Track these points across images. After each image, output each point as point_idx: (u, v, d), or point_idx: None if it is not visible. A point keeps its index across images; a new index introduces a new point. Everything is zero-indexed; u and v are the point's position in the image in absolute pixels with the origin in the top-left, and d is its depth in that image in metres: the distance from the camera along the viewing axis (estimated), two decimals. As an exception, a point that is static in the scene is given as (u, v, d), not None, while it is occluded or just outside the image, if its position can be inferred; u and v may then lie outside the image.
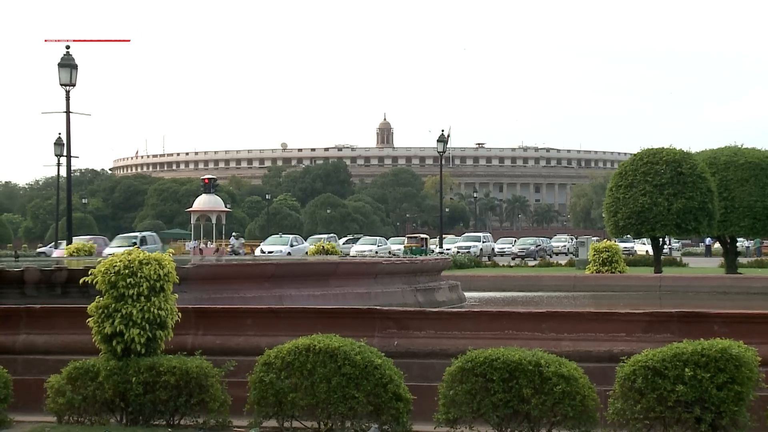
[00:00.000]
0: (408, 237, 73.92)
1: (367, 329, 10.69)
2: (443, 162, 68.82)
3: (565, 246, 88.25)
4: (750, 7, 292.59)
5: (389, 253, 62.61)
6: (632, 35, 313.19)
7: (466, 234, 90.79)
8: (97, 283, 9.54)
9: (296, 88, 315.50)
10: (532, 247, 74.47)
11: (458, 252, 64.20)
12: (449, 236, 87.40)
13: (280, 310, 11.79)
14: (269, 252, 59.65)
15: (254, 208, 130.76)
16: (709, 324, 10.12)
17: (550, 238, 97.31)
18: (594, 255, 30.07)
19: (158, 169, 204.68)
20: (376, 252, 64.84)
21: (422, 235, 72.89)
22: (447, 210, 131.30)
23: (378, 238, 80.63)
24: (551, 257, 66.52)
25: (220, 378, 9.37)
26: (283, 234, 76.53)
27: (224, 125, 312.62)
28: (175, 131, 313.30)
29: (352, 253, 59.04)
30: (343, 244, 77.25)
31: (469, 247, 70.86)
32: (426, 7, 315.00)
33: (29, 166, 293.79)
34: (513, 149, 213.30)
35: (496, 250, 77.29)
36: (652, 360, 8.31)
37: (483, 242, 77.07)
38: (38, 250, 79.06)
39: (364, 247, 69.44)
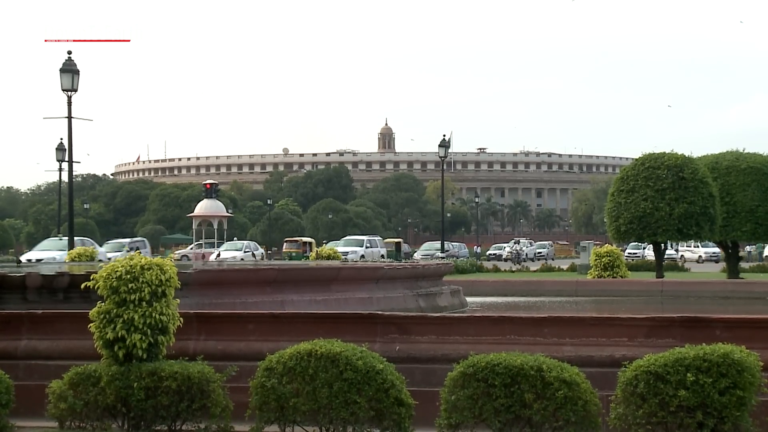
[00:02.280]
0: (287, 241, 67.46)
1: (369, 334, 10.69)
2: (445, 167, 68.69)
3: (522, 250, 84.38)
4: (753, 11, 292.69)
5: (262, 259, 54.81)
6: (634, 40, 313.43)
7: (347, 237, 76.59)
8: (98, 288, 9.54)
9: (298, 93, 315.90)
10: (438, 253, 65.48)
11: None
12: (333, 241, 76.33)
13: (281, 315, 11.79)
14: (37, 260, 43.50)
15: (256, 213, 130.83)
16: (711, 329, 10.11)
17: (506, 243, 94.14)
18: (595, 260, 30.05)
19: (160, 174, 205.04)
20: (242, 259, 55.15)
21: (305, 239, 67.43)
22: (449, 215, 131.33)
23: (245, 242, 70.08)
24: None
25: (221, 383, 9.36)
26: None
27: (226, 130, 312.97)
28: (177, 136, 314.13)
29: (211, 260, 50.55)
30: (191, 249, 67.81)
31: (347, 253, 57.65)
32: (427, 12, 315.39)
33: (31, 171, 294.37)
34: (514, 154, 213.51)
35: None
36: (654, 365, 8.30)
37: (366, 247, 64.62)
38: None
39: (227, 254, 59.93)
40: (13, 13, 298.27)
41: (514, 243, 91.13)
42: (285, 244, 67.03)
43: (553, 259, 76.32)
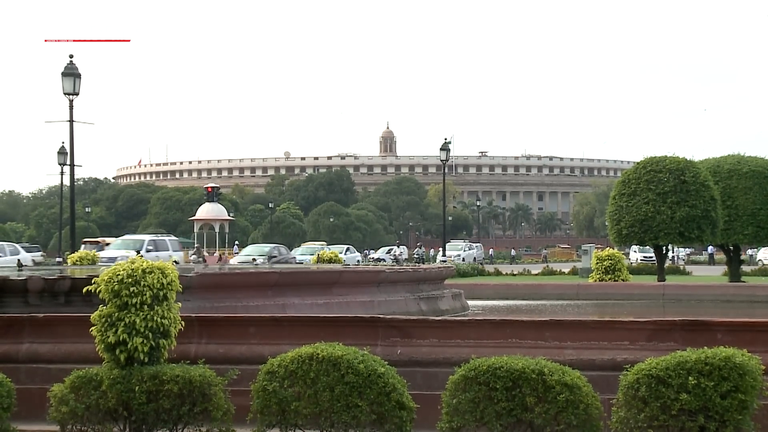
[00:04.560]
0: (86, 242, 59.01)
1: (371, 338, 10.68)
2: (446, 170, 68.63)
3: (459, 255, 78.63)
4: (752, 13, 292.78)
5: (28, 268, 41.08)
6: (636, 43, 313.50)
7: (123, 237, 58.65)
8: (100, 291, 9.54)
9: (299, 97, 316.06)
10: (260, 259, 52.85)
11: None
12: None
13: (283, 318, 11.80)
14: None
15: (257, 216, 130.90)
16: (712, 332, 10.11)
17: (441, 248, 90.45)
18: (597, 263, 30.02)
19: (161, 177, 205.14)
20: None
21: (108, 240, 60.42)
22: (450, 218, 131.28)
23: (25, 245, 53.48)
24: None
25: (223, 387, 9.35)
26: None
27: (227, 134, 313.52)
28: (179, 140, 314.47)
29: None
30: None
31: (114, 258, 41.72)
32: (428, 15, 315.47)
33: (32, 175, 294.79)
34: (516, 157, 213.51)
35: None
36: (656, 368, 8.28)
37: (148, 250, 48.64)
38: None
39: None
40: (14, 14, 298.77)
41: (396, 247, 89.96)
42: (83, 245, 55.72)
43: (482, 264, 71.56)
